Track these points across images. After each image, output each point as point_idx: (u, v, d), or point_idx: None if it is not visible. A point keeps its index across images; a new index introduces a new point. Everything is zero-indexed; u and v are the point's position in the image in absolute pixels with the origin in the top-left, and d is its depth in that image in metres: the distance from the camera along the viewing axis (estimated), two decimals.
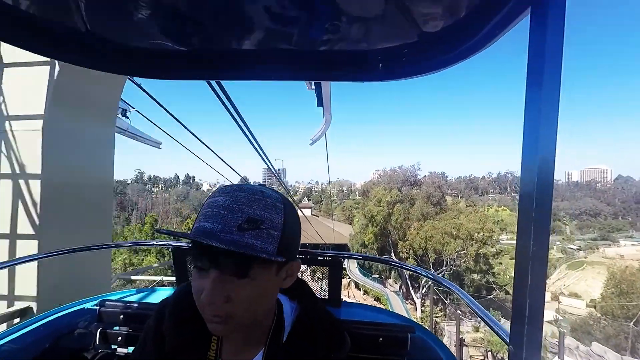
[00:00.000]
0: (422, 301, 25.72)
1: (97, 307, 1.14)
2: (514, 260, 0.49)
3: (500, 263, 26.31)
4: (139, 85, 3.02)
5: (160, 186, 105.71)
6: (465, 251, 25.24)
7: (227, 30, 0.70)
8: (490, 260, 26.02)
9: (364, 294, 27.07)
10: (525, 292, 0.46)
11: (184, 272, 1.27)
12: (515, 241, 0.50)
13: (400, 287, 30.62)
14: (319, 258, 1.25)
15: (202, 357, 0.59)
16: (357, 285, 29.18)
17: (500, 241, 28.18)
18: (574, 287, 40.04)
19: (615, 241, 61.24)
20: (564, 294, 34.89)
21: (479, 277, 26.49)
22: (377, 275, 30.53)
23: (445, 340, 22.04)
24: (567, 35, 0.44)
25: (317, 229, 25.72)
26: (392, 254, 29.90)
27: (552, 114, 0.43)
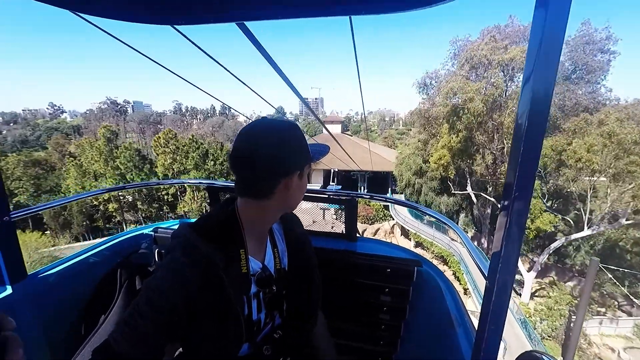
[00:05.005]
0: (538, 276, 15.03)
1: (152, 233, 1.45)
2: None
3: None
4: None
5: (198, 117, 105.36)
6: None
7: None
8: None
9: (415, 247, 17.28)
10: (504, 233, 0.49)
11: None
12: None
13: (473, 238, 19.99)
14: (335, 197, 1.38)
15: (237, 256, 0.74)
16: (405, 233, 19.27)
17: None
18: None
19: None
20: None
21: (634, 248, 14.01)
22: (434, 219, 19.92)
23: None
24: None
25: (350, 150, 17.96)
26: (469, 187, 18.69)
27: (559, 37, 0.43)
